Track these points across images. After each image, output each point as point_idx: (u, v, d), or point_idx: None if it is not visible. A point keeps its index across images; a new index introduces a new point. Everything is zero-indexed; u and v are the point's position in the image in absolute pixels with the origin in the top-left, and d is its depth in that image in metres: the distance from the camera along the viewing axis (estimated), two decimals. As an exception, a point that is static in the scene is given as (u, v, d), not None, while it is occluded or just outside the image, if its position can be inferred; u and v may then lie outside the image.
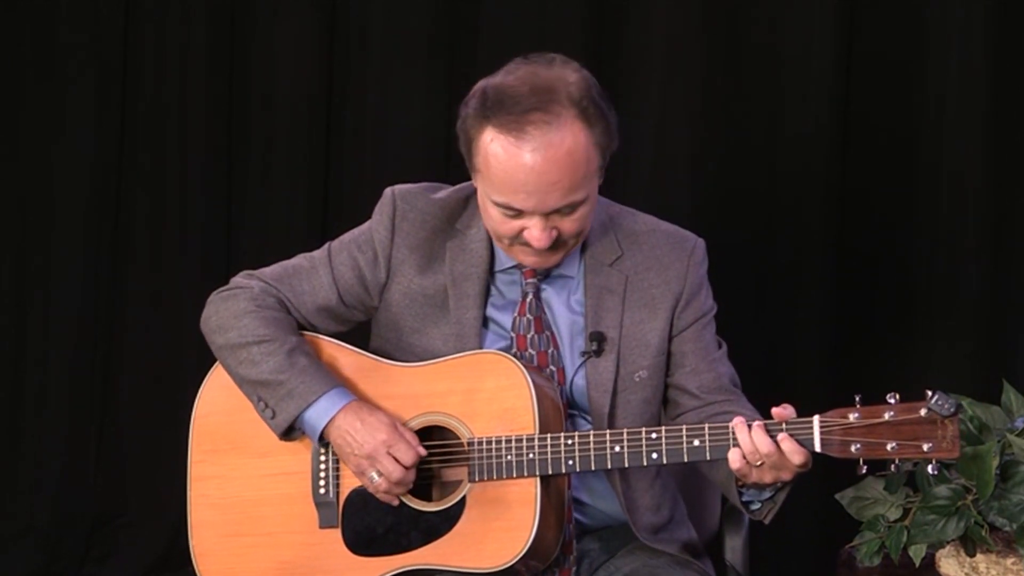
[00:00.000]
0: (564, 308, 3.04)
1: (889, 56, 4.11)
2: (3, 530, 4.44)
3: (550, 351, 3.01)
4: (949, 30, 4.06)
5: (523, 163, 2.84)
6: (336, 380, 2.98)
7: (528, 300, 3.03)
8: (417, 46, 4.29)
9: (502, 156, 2.86)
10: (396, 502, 2.94)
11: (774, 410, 2.82)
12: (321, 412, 2.95)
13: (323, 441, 2.97)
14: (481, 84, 2.92)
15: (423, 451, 2.93)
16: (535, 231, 2.89)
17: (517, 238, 2.93)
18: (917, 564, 2.90)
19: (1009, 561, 2.89)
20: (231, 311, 3.04)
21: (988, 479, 2.84)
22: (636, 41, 4.19)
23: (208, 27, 4.38)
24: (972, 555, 2.91)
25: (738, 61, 4.16)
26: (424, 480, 2.97)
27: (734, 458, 2.80)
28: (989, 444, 2.87)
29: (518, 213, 2.89)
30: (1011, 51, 4.04)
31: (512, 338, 3.02)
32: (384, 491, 2.93)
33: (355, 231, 3.11)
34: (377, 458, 2.92)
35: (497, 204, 2.90)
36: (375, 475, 2.92)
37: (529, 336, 3.02)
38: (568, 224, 2.91)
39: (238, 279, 3.10)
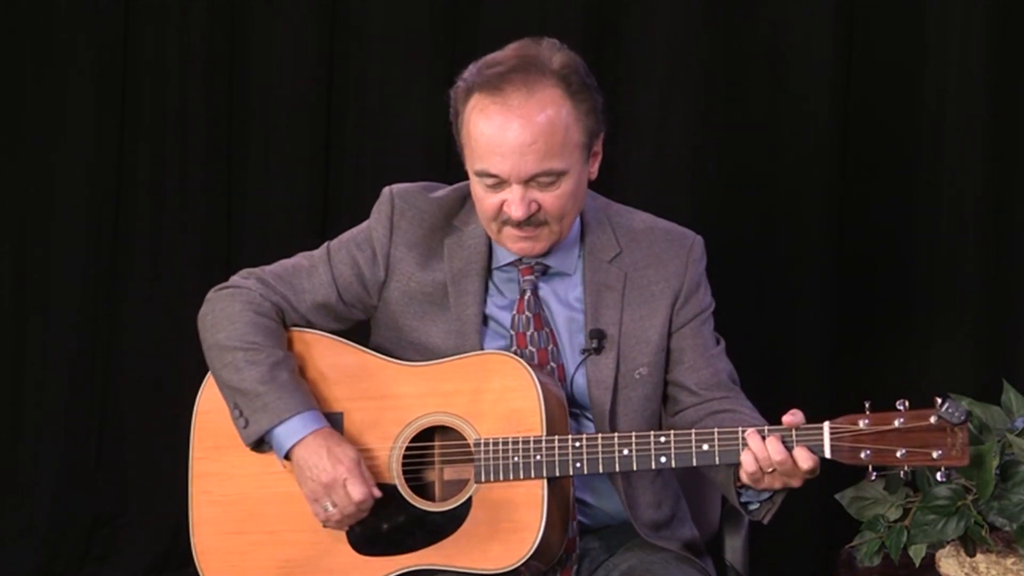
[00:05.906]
0: (561, 305, 3.04)
1: (889, 56, 4.11)
2: (3, 530, 4.44)
3: (550, 348, 3.01)
4: (949, 30, 4.06)
5: (500, 121, 2.85)
6: (313, 403, 2.97)
7: (526, 297, 3.02)
8: (417, 45, 4.29)
9: (481, 117, 2.86)
10: (344, 529, 2.93)
11: (784, 417, 2.81)
12: (291, 432, 2.94)
13: (287, 459, 2.96)
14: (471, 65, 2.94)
15: (378, 493, 2.91)
16: (514, 200, 2.88)
17: (500, 217, 2.92)
18: (917, 564, 2.91)
19: (1009, 561, 2.90)
20: (226, 312, 3.03)
21: (988, 479, 2.84)
22: (636, 41, 4.20)
23: (208, 27, 4.38)
24: (972, 555, 2.91)
25: (738, 61, 4.17)
26: (430, 481, 2.96)
27: (747, 460, 2.80)
28: (989, 444, 2.88)
29: (498, 183, 2.89)
30: (1011, 51, 4.04)
31: (511, 336, 3.02)
32: (336, 522, 2.92)
33: (354, 230, 3.11)
34: (334, 488, 2.90)
35: (478, 175, 2.90)
36: (329, 505, 2.91)
37: (528, 333, 3.01)
38: (549, 200, 2.90)
39: (237, 278, 3.09)
